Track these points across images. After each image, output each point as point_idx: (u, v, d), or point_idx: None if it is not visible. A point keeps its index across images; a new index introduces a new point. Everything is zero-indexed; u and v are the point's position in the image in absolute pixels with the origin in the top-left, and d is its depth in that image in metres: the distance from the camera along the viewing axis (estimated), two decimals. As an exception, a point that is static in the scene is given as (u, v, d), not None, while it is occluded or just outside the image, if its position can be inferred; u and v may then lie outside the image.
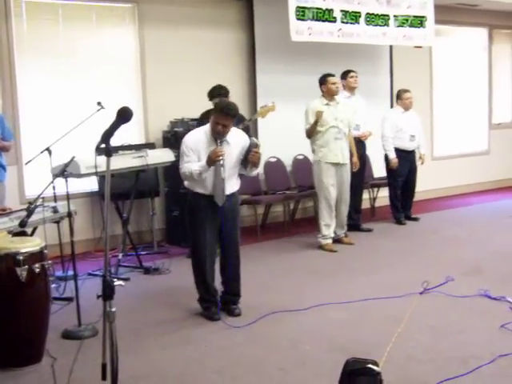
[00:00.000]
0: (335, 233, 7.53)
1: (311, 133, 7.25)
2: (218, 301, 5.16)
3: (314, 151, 7.40)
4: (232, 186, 5.10)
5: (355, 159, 7.63)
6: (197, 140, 4.99)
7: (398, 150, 8.63)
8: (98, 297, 2.76)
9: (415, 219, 8.91)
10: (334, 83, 7.32)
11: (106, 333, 2.73)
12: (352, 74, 8.08)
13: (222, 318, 5.04)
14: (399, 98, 8.77)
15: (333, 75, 7.39)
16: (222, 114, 4.83)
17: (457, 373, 3.82)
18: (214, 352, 4.40)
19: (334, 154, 7.27)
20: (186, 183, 5.16)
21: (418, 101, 8.98)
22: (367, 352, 3.54)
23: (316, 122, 7.13)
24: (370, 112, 8.33)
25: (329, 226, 7.40)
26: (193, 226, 5.09)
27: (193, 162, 4.92)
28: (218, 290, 5.23)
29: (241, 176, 5.30)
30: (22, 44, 7.10)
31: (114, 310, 2.75)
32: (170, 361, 4.27)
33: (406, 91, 8.71)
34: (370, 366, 2.66)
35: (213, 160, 4.79)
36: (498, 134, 11.84)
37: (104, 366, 2.76)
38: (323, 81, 7.32)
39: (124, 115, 2.93)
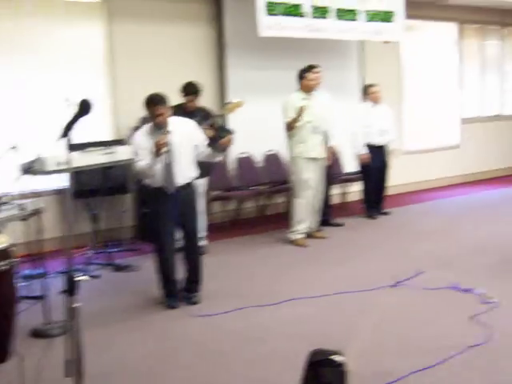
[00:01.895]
0: (309, 227, 7.52)
1: (292, 126, 7.15)
2: (179, 291, 5.36)
3: (290, 147, 7.35)
4: (185, 174, 5.20)
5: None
6: (142, 137, 5.18)
7: (367, 146, 8.58)
8: (62, 292, 2.73)
9: (386, 213, 8.92)
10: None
11: (70, 329, 2.70)
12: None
13: (193, 312, 5.06)
14: (366, 92, 8.73)
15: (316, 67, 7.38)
16: (153, 105, 5.05)
17: (427, 364, 3.85)
18: (183, 346, 4.40)
19: (312, 149, 7.25)
20: (145, 181, 5.28)
21: (387, 95, 8.99)
22: (338, 346, 3.52)
23: (298, 117, 7.06)
24: (339, 107, 8.32)
25: (302, 222, 7.38)
26: (155, 220, 5.25)
27: (143, 159, 5.07)
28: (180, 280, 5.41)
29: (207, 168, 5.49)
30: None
31: (77, 305, 2.73)
32: (141, 357, 4.25)
33: (372, 85, 8.68)
34: (332, 356, 2.65)
35: (157, 150, 4.94)
36: (468, 128, 11.91)
37: (67, 363, 2.72)
38: (306, 73, 7.25)
39: (83, 108, 2.93)
